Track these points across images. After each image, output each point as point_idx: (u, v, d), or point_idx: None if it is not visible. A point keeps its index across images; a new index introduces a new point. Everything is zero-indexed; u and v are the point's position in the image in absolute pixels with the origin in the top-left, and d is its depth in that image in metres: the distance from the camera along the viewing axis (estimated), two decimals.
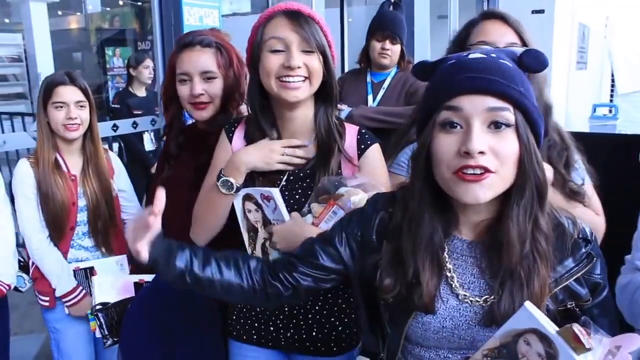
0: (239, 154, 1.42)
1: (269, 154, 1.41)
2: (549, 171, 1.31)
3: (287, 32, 1.33)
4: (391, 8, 3.18)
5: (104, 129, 2.97)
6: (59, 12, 9.40)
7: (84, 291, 2.10)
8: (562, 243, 1.01)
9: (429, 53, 4.58)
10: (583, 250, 1.02)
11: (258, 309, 1.51)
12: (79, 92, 2.07)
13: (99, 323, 1.65)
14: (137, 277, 1.72)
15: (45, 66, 7.75)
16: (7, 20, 9.57)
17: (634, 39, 6.99)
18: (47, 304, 2.13)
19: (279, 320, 1.49)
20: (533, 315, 0.91)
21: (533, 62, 0.99)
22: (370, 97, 2.83)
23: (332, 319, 1.49)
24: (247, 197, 1.42)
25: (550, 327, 0.90)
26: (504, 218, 0.97)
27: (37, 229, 2.06)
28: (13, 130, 5.87)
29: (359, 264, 1.10)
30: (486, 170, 0.91)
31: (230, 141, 1.50)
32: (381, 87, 2.84)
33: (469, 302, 1.01)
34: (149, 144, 4.08)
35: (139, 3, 8.75)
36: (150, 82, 4.34)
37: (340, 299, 1.49)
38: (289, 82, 1.34)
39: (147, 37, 8.11)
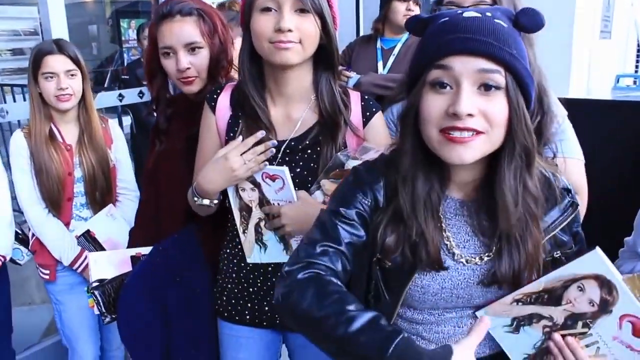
0: (201, 182, 1.35)
1: (230, 173, 1.31)
2: None
3: None
4: None
5: (109, 98, 2.93)
6: None
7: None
8: (549, 195, 1.03)
9: None
10: (567, 199, 1.05)
11: (251, 289, 1.46)
12: (69, 61, 2.01)
13: (96, 300, 1.62)
14: (134, 251, 1.68)
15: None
16: None
17: None
18: (47, 277, 2.13)
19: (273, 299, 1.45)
20: (604, 260, 0.91)
21: (529, 22, 0.95)
22: (380, 64, 2.75)
23: None
24: None
25: (617, 274, 0.91)
26: (496, 181, 0.97)
27: (33, 201, 2.04)
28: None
29: (371, 232, 1.05)
30: (475, 131, 0.91)
31: (214, 110, 1.42)
32: (391, 54, 2.75)
33: (464, 261, 1.02)
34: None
35: None
36: None
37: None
38: (280, 45, 1.24)
39: None
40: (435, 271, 1.01)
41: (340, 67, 2.82)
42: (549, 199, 1.02)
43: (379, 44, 2.79)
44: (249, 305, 1.47)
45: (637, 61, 7.05)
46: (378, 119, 1.41)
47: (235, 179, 1.32)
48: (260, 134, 1.31)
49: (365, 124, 1.38)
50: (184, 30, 1.56)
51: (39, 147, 2.00)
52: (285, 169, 1.30)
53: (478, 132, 0.91)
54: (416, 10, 2.72)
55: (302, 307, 0.91)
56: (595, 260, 0.92)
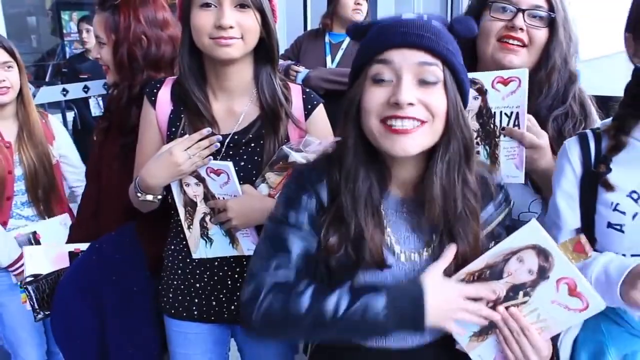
0: (144, 177, 1.33)
1: (174, 167, 1.30)
2: (544, 137, 1.29)
3: None
4: None
5: (53, 93, 2.85)
6: None
7: None
8: (485, 191, 1.07)
9: (393, 13, 4.50)
10: (501, 195, 1.10)
11: (198, 285, 1.46)
12: (4, 53, 1.95)
13: (29, 296, 1.57)
14: (72, 247, 1.64)
15: None
16: None
17: (596, 5, 7.03)
18: None
19: (222, 294, 1.45)
20: (540, 231, 0.98)
21: (461, 29, 1.03)
22: (328, 59, 2.77)
23: None
24: None
25: (552, 241, 0.99)
26: (427, 174, 1.00)
27: None
28: None
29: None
30: (417, 120, 0.95)
31: (154, 105, 1.41)
32: (340, 48, 2.77)
33: (404, 258, 1.04)
34: (95, 108, 3.91)
35: None
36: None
37: None
38: (220, 41, 1.25)
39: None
40: (378, 269, 1.02)
41: (289, 62, 2.84)
42: (485, 195, 1.06)
43: (327, 39, 2.81)
44: (196, 300, 1.46)
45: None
46: (319, 111, 1.43)
47: (179, 174, 1.32)
48: (206, 131, 1.31)
49: (307, 117, 1.41)
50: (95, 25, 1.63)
51: None
52: (230, 163, 1.30)
53: (421, 123, 0.95)
54: (364, 5, 2.75)
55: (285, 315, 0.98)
56: (533, 231, 0.99)
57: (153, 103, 1.40)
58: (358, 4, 2.74)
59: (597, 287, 1.05)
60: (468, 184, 1.01)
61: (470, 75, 1.25)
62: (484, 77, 1.29)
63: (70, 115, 3.74)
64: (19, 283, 1.69)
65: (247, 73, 1.36)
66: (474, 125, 1.31)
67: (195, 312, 1.47)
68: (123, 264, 1.55)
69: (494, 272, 1.01)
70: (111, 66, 1.62)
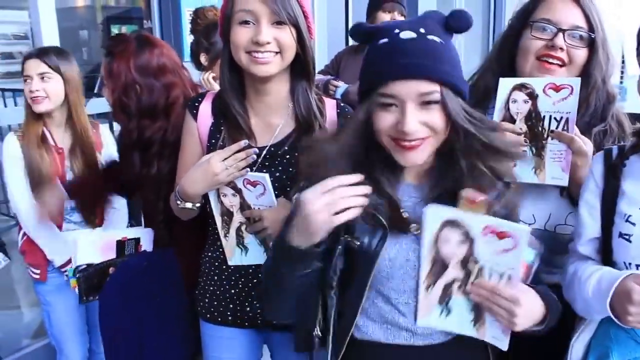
0: (184, 186, 1.40)
1: (212, 177, 1.35)
2: (589, 145, 1.34)
3: (257, 4, 1.28)
4: None
5: (101, 104, 2.96)
6: None
7: None
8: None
9: None
10: (501, 184, 1.15)
11: (233, 291, 1.51)
12: (43, 65, 2.07)
13: (79, 283, 1.68)
14: (120, 234, 1.74)
15: (50, 44, 7.75)
16: None
17: None
18: (37, 276, 2.17)
19: (256, 299, 1.49)
20: (440, 209, 1.08)
21: (458, 23, 1.10)
22: None
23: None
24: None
25: (450, 210, 1.08)
26: (451, 158, 1.12)
27: (27, 203, 2.08)
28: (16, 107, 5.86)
29: None
30: (422, 139, 1.07)
31: (195, 117, 1.47)
32: None
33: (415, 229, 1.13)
34: None
35: None
36: None
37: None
38: (258, 57, 1.31)
39: (151, 14, 8.08)
40: (402, 232, 1.12)
41: (328, 77, 2.88)
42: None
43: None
44: (231, 306, 1.51)
45: (622, 72, 7.17)
46: None
47: (216, 183, 1.37)
48: (244, 142, 1.36)
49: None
50: None
51: (31, 148, 2.06)
52: (266, 175, 1.35)
53: (424, 139, 1.07)
54: (401, 19, 2.78)
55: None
56: (433, 213, 1.08)
57: (195, 115, 1.47)
58: (394, 20, 2.77)
59: (594, 300, 1.13)
60: (475, 169, 1.11)
61: (523, 79, 1.36)
62: (536, 83, 1.35)
63: (117, 125, 3.88)
64: (71, 269, 1.78)
65: (284, 88, 1.42)
66: (522, 126, 1.37)
67: (230, 317, 1.52)
68: (163, 287, 1.67)
69: (440, 264, 1.10)
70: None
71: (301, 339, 1.26)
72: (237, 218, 1.43)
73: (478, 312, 1.11)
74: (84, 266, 1.68)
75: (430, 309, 1.14)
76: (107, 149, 2.25)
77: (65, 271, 2.13)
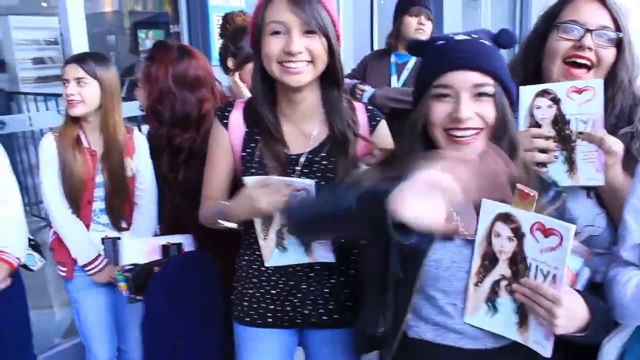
0: (230, 211, 1.42)
1: (257, 211, 1.37)
2: (619, 144, 1.35)
3: (287, 15, 1.30)
4: None
5: (132, 108, 3.02)
6: None
7: (105, 260, 2.19)
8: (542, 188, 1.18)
9: None
10: (552, 192, 1.22)
11: (273, 291, 1.52)
12: (81, 70, 2.12)
13: (127, 282, 1.76)
14: (164, 240, 1.80)
15: (80, 49, 7.89)
16: (44, 4, 9.74)
17: None
18: (64, 274, 2.22)
19: (296, 298, 1.51)
20: (490, 202, 1.12)
21: (505, 40, 1.21)
22: (394, 78, 2.82)
23: (347, 290, 1.51)
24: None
25: (502, 205, 1.11)
26: None
27: (58, 200, 2.14)
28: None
29: None
30: (474, 129, 1.13)
31: (226, 127, 1.49)
32: (405, 68, 2.82)
33: (464, 238, 1.17)
34: None
35: None
36: None
37: (352, 269, 1.52)
38: (290, 67, 1.32)
39: (178, 19, 8.17)
40: (448, 239, 1.14)
41: (355, 81, 2.91)
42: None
43: (393, 59, 2.87)
44: (272, 307, 1.53)
45: None
46: (383, 126, 1.51)
47: (259, 214, 1.39)
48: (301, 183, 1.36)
49: (371, 132, 1.48)
50: None
51: (66, 149, 2.11)
52: (313, 182, 1.34)
53: (477, 131, 1.13)
54: (428, 25, 2.79)
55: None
56: (486, 208, 1.13)
57: (225, 125, 1.49)
58: (421, 24, 2.79)
59: (633, 304, 1.14)
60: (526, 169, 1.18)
61: (544, 85, 1.39)
62: (558, 88, 1.38)
63: (145, 128, 3.95)
64: (119, 271, 1.85)
65: (315, 96, 1.44)
66: (550, 132, 1.38)
67: (270, 319, 1.54)
68: (201, 292, 1.75)
69: (490, 260, 1.14)
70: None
71: (362, 340, 1.31)
72: (278, 220, 1.44)
73: (523, 314, 1.12)
74: (131, 266, 1.74)
75: (477, 307, 1.16)
76: (139, 154, 2.27)
77: (89, 271, 2.18)
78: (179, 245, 1.86)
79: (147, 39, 8.52)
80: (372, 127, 1.49)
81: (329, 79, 1.42)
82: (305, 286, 1.50)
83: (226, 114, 1.49)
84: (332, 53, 1.37)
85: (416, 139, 1.18)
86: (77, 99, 2.10)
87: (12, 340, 2.08)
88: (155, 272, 1.77)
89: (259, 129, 1.45)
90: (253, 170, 1.43)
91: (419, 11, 2.79)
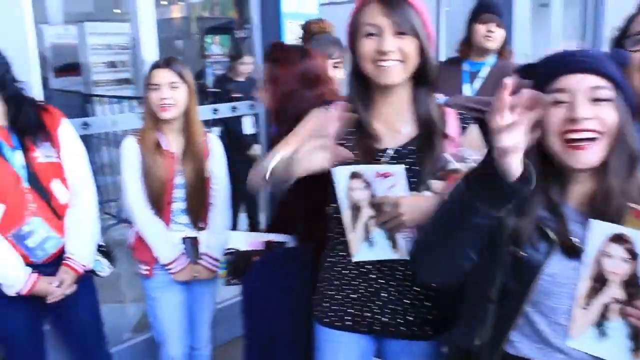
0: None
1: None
2: None
3: (380, 18, 1.38)
4: None
5: (204, 112, 3.11)
6: (163, 2, 9.85)
7: (187, 260, 2.25)
8: None
9: (529, 43, 4.39)
10: None
11: (354, 295, 1.54)
12: (173, 74, 2.18)
13: (226, 264, 1.89)
14: (267, 237, 1.87)
15: (150, 53, 8.17)
16: (117, 11, 10.14)
17: None
18: (146, 272, 2.28)
19: (375, 305, 1.52)
20: (602, 224, 1.07)
21: (620, 59, 1.15)
22: (467, 86, 2.79)
23: (428, 303, 1.51)
24: (355, 175, 1.42)
25: (616, 226, 1.06)
26: (606, 174, 1.11)
27: (140, 201, 2.20)
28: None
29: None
30: (592, 132, 1.07)
31: None
32: (478, 76, 2.78)
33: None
34: (248, 127, 4.21)
35: None
36: (246, 76, 4.49)
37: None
38: (383, 65, 1.38)
39: (245, 25, 8.34)
40: (567, 257, 1.11)
41: None
42: None
43: (465, 67, 2.83)
44: (351, 310, 1.55)
45: None
46: (474, 129, 1.52)
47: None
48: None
49: (461, 134, 1.50)
50: None
51: (147, 152, 2.18)
52: (401, 166, 1.38)
53: (594, 135, 1.07)
54: (498, 32, 2.75)
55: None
56: (597, 228, 1.07)
57: None
58: (489, 31, 2.75)
59: None
60: (632, 183, 1.12)
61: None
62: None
63: (215, 130, 4.06)
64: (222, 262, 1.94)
65: (407, 95, 1.48)
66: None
67: (349, 322, 1.55)
68: (294, 285, 1.77)
69: (601, 281, 1.08)
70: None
71: (454, 353, 1.30)
72: (366, 212, 1.45)
73: (638, 340, 1.06)
74: (231, 250, 1.85)
75: (583, 330, 1.09)
76: (214, 156, 2.33)
77: (170, 270, 2.24)
78: (282, 243, 1.91)
79: (214, 44, 8.76)
80: (463, 129, 1.51)
81: (421, 78, 1.46)
82: (385, 294, 1.51)
83: (328, 107, 1.57)
84: (424, 53, 1.42)
85: (531, 154, 1.09)
86: (170, 102, 2.16)
87: (86, 339, 2.17)
88: (254, 260, 1.85)
89: (354, 123, 1.50)
90: (338, 162, 1.45)
91: (488, 18, 2.76)
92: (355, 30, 1.43)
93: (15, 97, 1.94)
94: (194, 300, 2.40)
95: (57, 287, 1.98)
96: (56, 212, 1.99)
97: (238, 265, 1.86)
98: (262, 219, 3.95)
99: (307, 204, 1.67)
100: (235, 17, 9.07)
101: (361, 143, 1.48)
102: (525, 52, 4.58)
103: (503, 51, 2.80)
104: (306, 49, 1.86)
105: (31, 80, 2.28)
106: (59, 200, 1.99)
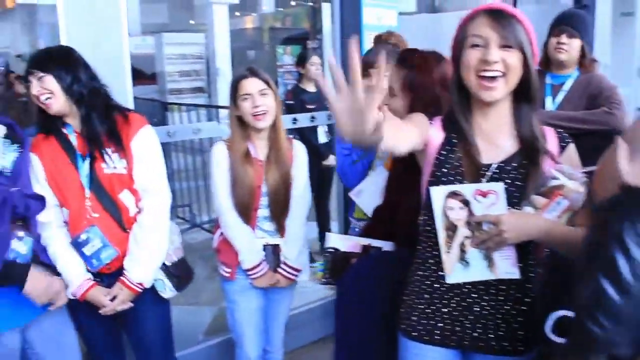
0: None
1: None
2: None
3: (487, 30, 1.39)
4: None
5: (284, 121, 3.18)
6: (237, 13, 10.13)
7: (267, 267, 2.29)
8: None
9: (609, 53, 4.24)
10: None
11: (444, 309, 1.53)
12: (261, 82, 2.22)
13: (326, 266, 1.91)
14: (366, 241, 1.89)
15: (223, 62, 8.46)
16: (192, 22, 10.50)
17: None
18: (228, 275, 2.33)
19: (467, 320, 1.51)
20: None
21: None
22: (548, 100, 2.73)
23: (520, 318, 1.49)
24: (452, 195, 1.43)
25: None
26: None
27: (229, 206, 2.25)
28: (196, 121, 6.40)
29: None
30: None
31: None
32: (560, 89, 2.72)
33: None
34: (322, 136, 4.28)
35: (310, 4, 9.16)
36: (317, 78, 4.52)
37: (528, 297, 1.49)
38: (486, 76, 1.39)
39: (316, 35, 8.46)
40: None
41: None
42: None
43: (548, 80, 2.78)
44: (440, 325, 1.54)
45: None
46: (572, 148, 1.52)
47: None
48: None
49: (560, 153, 1.49)
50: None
51: (236, 162, 2.23)
52: (501, 184, 1.40)
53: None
54: (571, 43, 2.67)
55: None
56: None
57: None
58: (560, 43, 2.70)
59: None
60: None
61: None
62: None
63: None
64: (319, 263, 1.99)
65: (507, 110, 1.49)
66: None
67: (438, 337, 1.54)
68: (394, 271, 1.76)
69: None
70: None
71: None
72: (462, 232, 1.46)
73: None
74: (331, 249, 1.88)
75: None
76: (297, 164, 2.36)
77: (251, 275, 2.27)
78: (378, 249, 1.92)
79: (285, 54, 8.94)
80: (562, 148, 1.50)
81: (523, 93, 1.46)
82: (478, 309, 1.50)
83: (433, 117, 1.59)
84: (527, 69, 1.42)
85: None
86: (263, 109, 2.21)
87: (150, 350, 2.19)
88: (352, 263, 1.87)
89: (456, 136, 1.51)
90: (439, 174, 1.49)
91: (560, 30, 2.70)
92: (461, 41, 1.45)
93: (92, 106, 1.95)
94: (270, 306, 2.45)
95: (110, 301, 1.99)
96: (121, 224, 1.99)
97: (337, 265, 1.88)
98: (334, 228, 3.98)
99: (408, 206, 1.69)
100: (306, 27, 9.23)
101: (465, 157, 1.48)
102: (605, 62, 4.43)
103: (583, 62, 2.73)
104: (440, 53, 1.86)
105: (126, 88, 2.39)
106: (127, 212, 2.00)
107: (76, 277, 1.97)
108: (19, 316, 1.91)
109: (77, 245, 1.96)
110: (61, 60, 1.93)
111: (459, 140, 1.51)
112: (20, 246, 1.80)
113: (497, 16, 1.40)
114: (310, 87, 4.55)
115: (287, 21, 9.67)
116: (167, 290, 2.11)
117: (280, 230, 2.33)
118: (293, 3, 9.88)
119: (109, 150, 1.97)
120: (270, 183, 2.26)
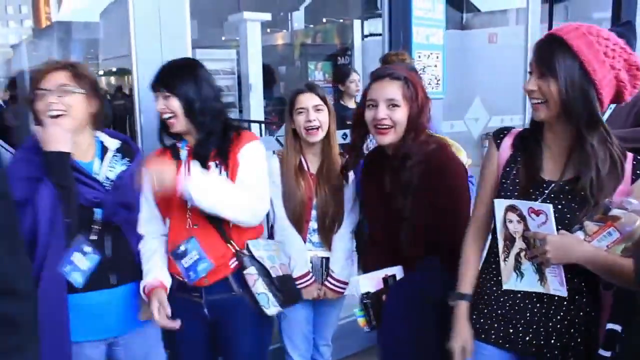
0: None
1: None
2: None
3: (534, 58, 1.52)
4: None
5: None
6: (268, 30, 10.28)
7: (313, 277, 2.34)
8: None
9: None
10: None
11: (500, 311, 1.62)
12: (316, 98, 2.30)
13: (367, 311, 1.95)
14: (383, 273, 1.95)
15: (255, 78, 8.58)
16: (223, 38, 10.66)
17: None
18: None
19: (519, 323, 1.59)
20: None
21: None
22: None
23: (573, 330, 1.54)
24: (511, 208, 1.52)
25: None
26: None
27: (284, 216, 2.32)
28: None
29: None
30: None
31: (498, 147, 1.66)
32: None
33: None
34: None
35: (341, 20, 9.29)
36: (357, 94, 4.59)
37: (583, 312, 1.55)
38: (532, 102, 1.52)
39: (346, 52, 8.57)
40: None
41: None
42: None
43: None
44: (495, 325, 1.63)
45: None
46: None
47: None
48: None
49: (634, 181, 1.50)
50: (387, 89, 1.91)
51: (290, 175, 2.30)
52: (550, 206, 1.46)
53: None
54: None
55: None
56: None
57: (498, 145, 1.68)
58: None
59: None
60: None
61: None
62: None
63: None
64: (357, 309, 2.02)
65: (572, 133, 1.52)
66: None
67: (493, 337, 1.64)
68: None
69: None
70: (400, 127, 1.92)
71: None
72: (518, 244, 1.55)
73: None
74: (367, 294, 1.95)
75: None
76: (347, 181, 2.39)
77: (300, 284, 2.29)
78: (394, 277, 1.98)
79: (316, 70, 9.05)
80: (636, 176, 1.50)
81: (582, 121, 1.47)
82: (529, 314, 1.58)
83: (501, 136, 1.69)
84: (568, 97, 1.45)
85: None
86: (316, 124, 2.28)
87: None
88: (384, 300, 1.95)
89: (522, 154, 1.61)
90: (500, 188, 1.61)
91: None
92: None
93: (211, 132, 1.96)
94: (319, 317, 2.51)
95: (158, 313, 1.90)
96: (223, 234, 1.99)
97: (376, 308, 1.93)
98: None
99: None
100: (337, 44, 9.34)
101: (525, 171, 1.57)
102: None
103: None
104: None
105: None
106: (228, 222, 1.99)
107: (152, 273, 1.95)
108: (101, 329, 1.93)
109: (177, 256, 1.98)
110: (187, 79, 1.91)
111: (524, 156, 1.60)
112: (81, 260, 1.81)
113: (538, 46, 1.53)
114: (351, 104, 4.59)
115: (317, 37, 9.79)
116: (270, 306, 2.03)
117: (327, 243, 2.37)
118: (324, 20, 10.01)
119: (212, 164, 1.97)
120: (320, 196, 2.32)
